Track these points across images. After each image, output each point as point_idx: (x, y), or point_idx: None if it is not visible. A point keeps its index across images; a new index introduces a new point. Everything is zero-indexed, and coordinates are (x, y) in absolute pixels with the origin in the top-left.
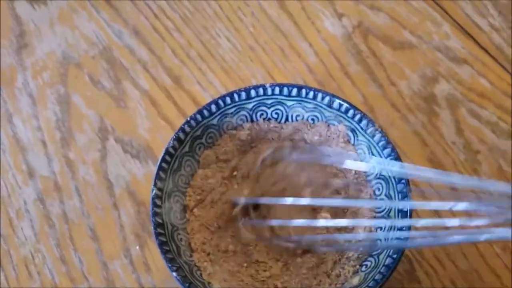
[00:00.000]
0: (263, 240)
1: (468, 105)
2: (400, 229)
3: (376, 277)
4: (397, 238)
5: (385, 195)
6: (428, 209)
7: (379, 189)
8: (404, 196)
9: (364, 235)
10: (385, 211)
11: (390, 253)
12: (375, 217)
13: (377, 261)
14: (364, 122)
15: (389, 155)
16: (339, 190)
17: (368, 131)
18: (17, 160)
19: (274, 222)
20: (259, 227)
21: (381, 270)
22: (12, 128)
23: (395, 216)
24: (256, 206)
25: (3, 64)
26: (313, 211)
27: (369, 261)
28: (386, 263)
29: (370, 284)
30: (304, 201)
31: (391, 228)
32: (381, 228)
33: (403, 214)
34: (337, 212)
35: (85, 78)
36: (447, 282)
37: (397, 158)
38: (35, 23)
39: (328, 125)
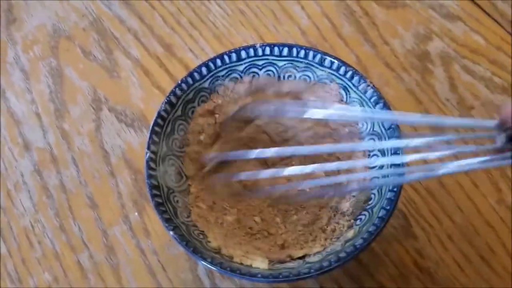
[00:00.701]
0: (235, 195)
1: (461, 61)
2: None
3: (370, 229)
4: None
5: (378, 150)
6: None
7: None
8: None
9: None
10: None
11: (384, 205)
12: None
13: (371, 214)
14: (356, 78)
15: (381, 110)
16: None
17: (360, 87)
18: (13, 133)
19: (243, 175)
20: (230, 181)
21: (375, 222)
22: (6, 102)
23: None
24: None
25: None
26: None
27: (363, 215)
28: (379, 215)
29: (364, 236)
30: (287, 150)
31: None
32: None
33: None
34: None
35: (77, 50)
36: (444, 237)
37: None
38: None
39: (323, 85)
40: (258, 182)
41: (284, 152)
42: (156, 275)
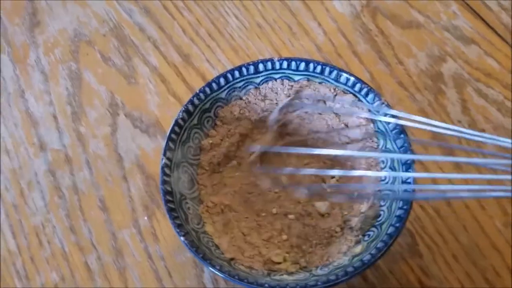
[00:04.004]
0: (277, 186)
1: (474, 84)
2: (405, 181)
3: (378, 245)
4: (404, 190)
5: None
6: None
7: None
8: (405, 149)
9: (372, 185)
10: (388, 165)
11: (393, 223)
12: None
13: (379, 230)
14: (370, 96)
15: (394, 129)
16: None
17: (375, 105)
18: (29, 134)
19: (286, 170)
20: (273, 174)
21: (383, 239)
22: (24, 103)
23: (399, 169)
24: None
25: (16, 42)
26: (323, 164)
27: (371, 231)
28: (388, 232)
29: (372, 252)
30: (316, 151)
31: (396, 180)
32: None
33: (406, 167)
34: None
35: (96, 55)
36: (449, 257)
37: (402, 132)
38: (47, 1)
39: (356, 99)
40: (295, 178)
41: (313, 151)
42: (162, 280)
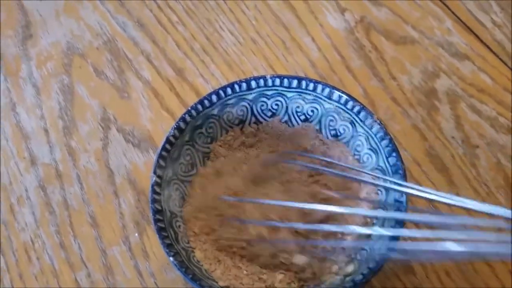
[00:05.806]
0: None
1: (468, 100)
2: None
3: (370, 265)
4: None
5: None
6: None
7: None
8: (397, 167)
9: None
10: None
11: (386, 244)
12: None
13: (372, 250)
14: (363, 113)
15: (386, 146)
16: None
17: (367, 122)
18: (20, 148)
19: (252, 222)
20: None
21: (376, 258)
22: (16, 116)
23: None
24: None
25: (8, 54)
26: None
27: (364, 250)
28: (381, 252)
29: (364, 272)
30: (293, 204)
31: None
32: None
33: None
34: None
35: (89, 69)
36: (442, 274)
37: (395, 150)
38: (41, 14)
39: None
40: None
41: (290, 205)
42: None
